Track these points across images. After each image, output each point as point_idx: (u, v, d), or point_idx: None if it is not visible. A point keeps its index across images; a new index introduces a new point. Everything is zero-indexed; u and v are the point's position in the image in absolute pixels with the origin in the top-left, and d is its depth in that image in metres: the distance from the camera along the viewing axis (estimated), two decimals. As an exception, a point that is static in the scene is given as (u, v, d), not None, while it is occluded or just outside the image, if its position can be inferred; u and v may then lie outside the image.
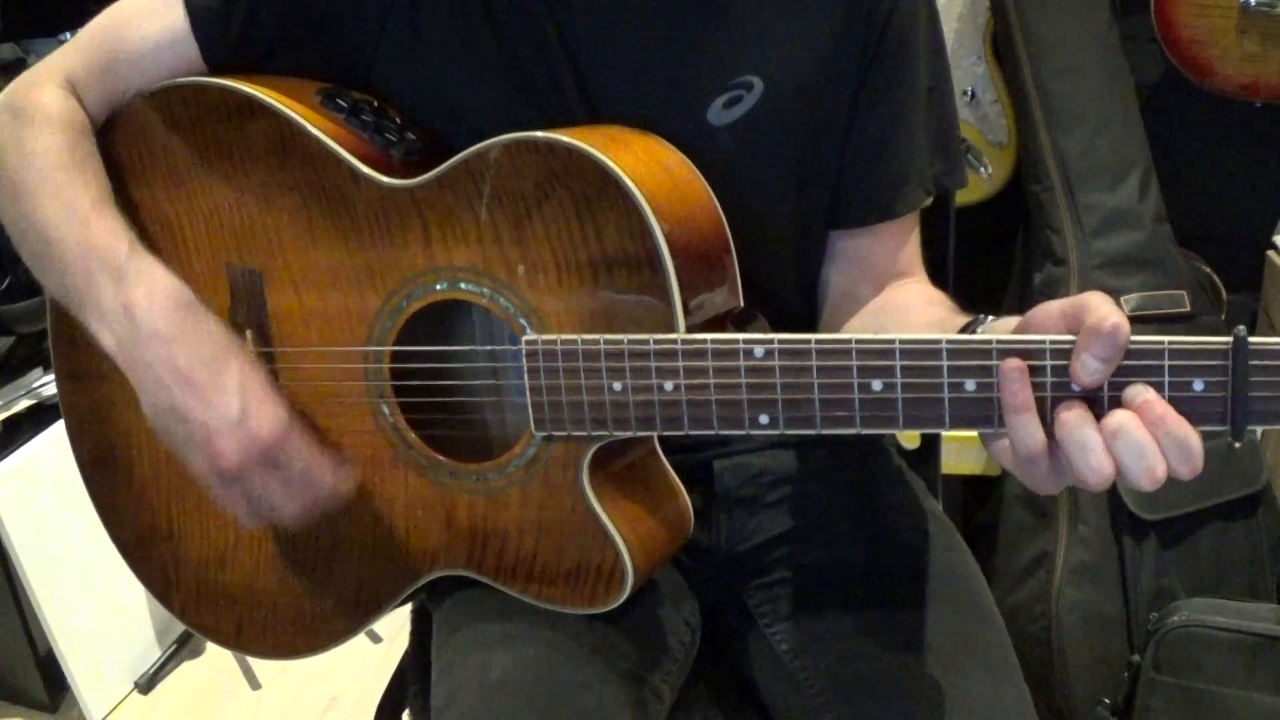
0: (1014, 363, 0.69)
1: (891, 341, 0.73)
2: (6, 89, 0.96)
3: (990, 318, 0.79)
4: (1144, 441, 0.66)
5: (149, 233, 0.95)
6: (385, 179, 0.88)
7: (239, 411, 0.83)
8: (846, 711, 0.91)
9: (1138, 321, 1.61)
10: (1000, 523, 1.73)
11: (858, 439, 1.06)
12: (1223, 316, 1.76)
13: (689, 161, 0.87)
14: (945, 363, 0.72)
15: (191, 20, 0.93)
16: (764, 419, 0.77)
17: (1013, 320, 0.74)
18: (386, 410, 0.91)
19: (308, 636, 1.01)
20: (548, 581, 0.90)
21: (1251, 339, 0.66)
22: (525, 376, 0.83)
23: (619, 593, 0.88)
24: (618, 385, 0.81)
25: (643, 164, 0.83)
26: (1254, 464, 1.66)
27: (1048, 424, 0.69)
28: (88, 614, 1.93)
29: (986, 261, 1.89)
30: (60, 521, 1.87)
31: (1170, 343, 0.67)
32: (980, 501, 1.86)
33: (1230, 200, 1.92)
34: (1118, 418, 0.66)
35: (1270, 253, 1.86)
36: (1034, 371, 0.69)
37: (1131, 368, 0.67)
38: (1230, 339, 0.66)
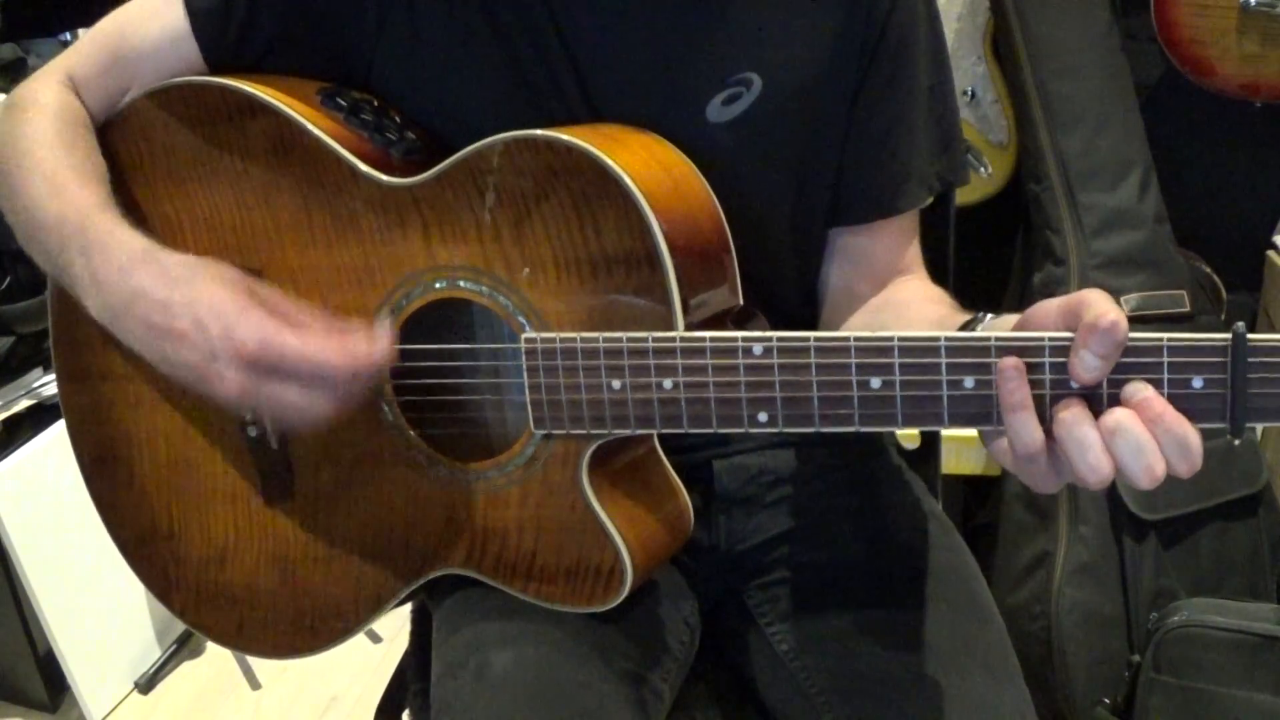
0: (1010, 361, 0.69)
1: (890, 339, 0.73)
2: (11, 92, 0.97)
3: (990, 315, 0.79)
4: (1143, 439, 0.66)
5: (149, 232, 0.95)
6: (385, 178, 0.88)
7: (218, 338, 0.80)
8: (846, 711, 0.91)
9: (1137, 321, 1.60)
10: (1000, 522, 1.73)
11: (858, 438, 1.06)
12: (1223, 316, 1.76)
13: (688, 160, 0.87)
14: (944, 360, 0.72)
15: (191, 20, 0.94)
16: (763, 417, 0.77)
17: (1013, 318, 0.74)
18: (386, 409, 0.91)
19: (308, 635, 1.00)
20: (547, 580, 0.90)
21: (1250, 335, 0.66)
22: (524, 375, 0.83)
23: (618, 592, 0.88)
24: (617, 383, 0.81)
25: (642, 162, 0.83)
26: (1254, 464, 1.66)
27: (1046, 422, 0.69)
28: (88, 614, 1.93)
29: (986, 261, 1.89)
30: (60, 521, 1.86)
31: (1169, 340, 0.67)
32: (980, 501, 1.86)
33: (1230, 200, 1.92)
34: (1116, 415, 0.66)
35: (1270, 253, 1.86)
36: (1032, 369, 0.69)
37: (1130, 365, 0.67)
38: (1229, 336, 0.66)
